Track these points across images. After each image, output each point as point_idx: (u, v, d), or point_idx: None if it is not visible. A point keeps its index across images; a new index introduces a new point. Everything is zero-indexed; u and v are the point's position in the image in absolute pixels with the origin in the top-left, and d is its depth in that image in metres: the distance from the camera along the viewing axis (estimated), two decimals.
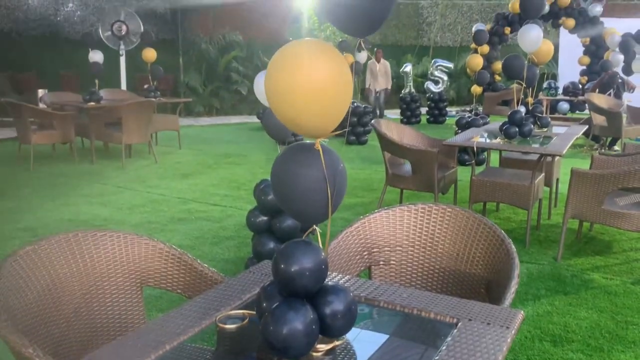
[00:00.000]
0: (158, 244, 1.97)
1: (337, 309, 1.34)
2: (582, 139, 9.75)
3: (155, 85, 8.61)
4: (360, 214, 5.20)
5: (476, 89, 12.08)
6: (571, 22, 11.03)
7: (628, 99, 8.81)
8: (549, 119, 5.18)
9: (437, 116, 11.94)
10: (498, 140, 4.46)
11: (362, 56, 9.84)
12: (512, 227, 4.80)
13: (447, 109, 12.33)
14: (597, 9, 10.89)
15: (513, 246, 1.92)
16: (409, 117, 11.80)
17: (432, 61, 12.56)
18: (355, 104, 9.31)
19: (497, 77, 12.17)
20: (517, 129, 4.41)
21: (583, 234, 4.55)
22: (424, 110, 12.47)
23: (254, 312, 1.47)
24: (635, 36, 8.50)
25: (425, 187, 4.70)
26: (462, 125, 7.43)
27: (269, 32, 14.25)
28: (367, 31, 1.31)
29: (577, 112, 11.64)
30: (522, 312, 1.52)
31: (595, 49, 11.17)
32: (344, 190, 1.41)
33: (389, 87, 11.96)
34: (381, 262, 2.17)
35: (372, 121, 5.18)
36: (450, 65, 12.32)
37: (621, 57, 8.29)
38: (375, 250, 2.17)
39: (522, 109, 4.92)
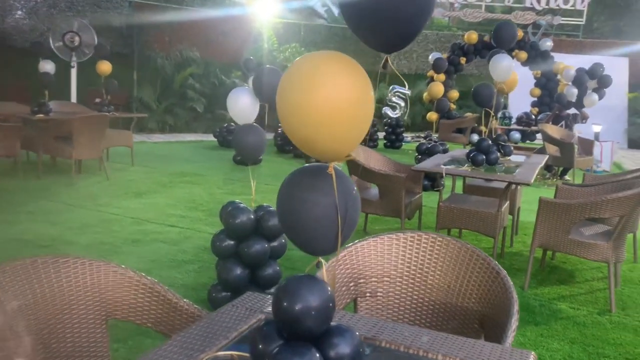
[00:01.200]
0: (127, 271, 1.77)
1: (344, 353, 1.20)
2: None
3: (109, 99, 8.27)
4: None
5: (432, 116, 12.32)
6: (524, 55, 11.43)
7: (578, 130, 9.14)
8: (512, 148, 5.24)
9: (393, 141, 12.04)
10: (466, 167, 4.45)
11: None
12: None
13: (404, 134, 12.46)
14: (548, 43, 11.35)
15: (509, 279, 1.84)
16: (366, 141, 11.81)
17: (390, 87, 12.71)
18: None
19: (452, 106, 12.42)
20: (484, 157, 4.42)
21: (546, 263, 4.58)
22: (380, 135, 12.55)
23: (246, 354, 1.31)
24: (588, 71, 8.86)
25: (392, 212, 4.63)
26: (423, 152, 7.48)
27: (227, 50, 14.10)
28: (395, 45, 1.20)
29: (528, 141, 12.00)
30: (533, 353, 1.42)
31: (545, 82, 11.60)
32: (357, 219, 1.28)
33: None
34: (368, 294, 2.04)
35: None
36: (408, 92, 12.50)
37: (575, 90, 8.61)
38: (361, 281, 2.04)
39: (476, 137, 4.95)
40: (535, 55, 11.42)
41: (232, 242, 3.32)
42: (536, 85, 11.81)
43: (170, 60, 13.30)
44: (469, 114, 12.20)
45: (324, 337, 1.21)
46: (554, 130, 8.62)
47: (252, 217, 3.27)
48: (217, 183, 7.39)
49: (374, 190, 5.01)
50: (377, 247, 2.07)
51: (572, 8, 15.93)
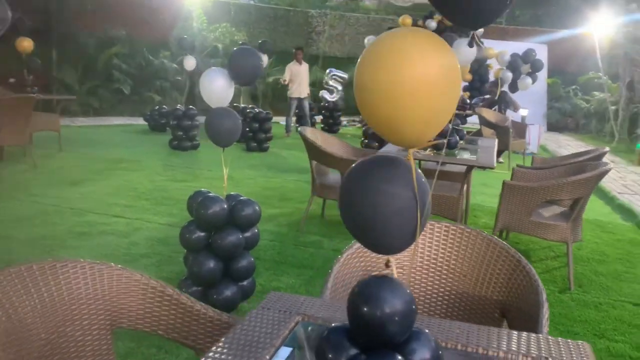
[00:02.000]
0: (133, 274, 1.58)
1: (425, 358, 1.10)
2: None
3: (32, 79, 7.61)
4: (284, 226, 4.96)
5: None
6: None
7: (510, 115, 9.52)
8: (465, 132, 5.32)
9: (331, 125, 12.00)
10: (428, 151, 4.46)
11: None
12: None
13: (341, 118, 12.46)
14: (479, 30, 11.68)
15: (532, 267, 1.81)
16: (305, 125, 11.71)
17: (327, 70, 12.64)
18: (256, 109, 9.00)
19: None
20: (445, 141, 4.44)
21: None
22: (317, 119, 12.47)
23: None
24: (522, 56, 9.20)
25: None
26: (370, 136, 7.48)
27: (155, 29, 13.41)
28: (483, 21, 1.09)
29: (461, 125, 12.34)
30: (587, 344, 1.39)
31: (477, 67, 11.94)
32: (430, 211, 1.17)
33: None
34: None
35: (299, 129, 4.95)
36: (345, 75, 12.48)
37: (510, 74, 8.94)
38: (375, 273, 1.94)
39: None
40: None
41: (203, 234, 3.12)
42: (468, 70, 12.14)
43: (93, 38, 12.47)
44: None
45: (404, 343, 1.10)
46: (490, 114, 8.92)
47: (225, 207, 3.08)
48: (156, 169, 7.02)
49: (333, 176, 4.93)
50: None
51: None
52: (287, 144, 9.79)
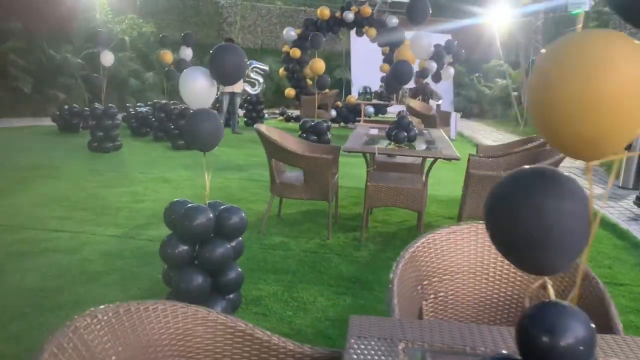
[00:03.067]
0: (198, 310, 1.38)
1: None
2: None
3: None
4: (248, 229, 4.70)
5: (290, 92, 12.27)
6: (373, 31, 11.87)
7: (432, 104, 9.83)
8: (414, 123, 5.38)
9: (255, 119, 11.74)
10: (393, 145, 4.45)
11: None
12: (394, 230, 4.86)
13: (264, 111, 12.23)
14: (394, 20, 11.92)
15: (587, 267, 1.81)
16: (227, 120, 11.35)
17: (248, 62, 12.32)
18: (182, 106, 8.57)
19: (309, 82, 12.48)
20: (405, 134, 4.45)
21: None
22: (240, 112, 12.14)
23: None
24: (445, 47, 9.51)
25: (318, 195, 4.46)
26: (307, 130, 7.37)
27: (55, 22, 12.35)
28: None
29: (380, 115, 12.60)
30: None
31: (393, 57, 12.21)
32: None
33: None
34: (432, 296, 1.88)
35: (255, 126, 4.73)
36: (266, 67, 12.24)
37: (434, 65, 9.20)
38: (425, 282, 1.87)
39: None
40: (383, 32, 11.93)
41: (186, 247, 2.87)
42: (385, 61, 12.36)
43: None
44: (327, 90, 12.37)
45: None
46: (416, 104, 9.15)
47: (212, 217, 2.86)
48: (81, 174, 6.46)
49: (292, 174, 4.78)
50: (435, 244, 1.91)
51: None
52: None
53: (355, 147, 4.31)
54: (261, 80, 12.05)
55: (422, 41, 4.30)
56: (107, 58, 7.84)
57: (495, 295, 1.93)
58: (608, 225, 5.23)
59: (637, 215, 5.50)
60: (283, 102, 15.08)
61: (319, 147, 4.83)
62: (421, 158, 4.92)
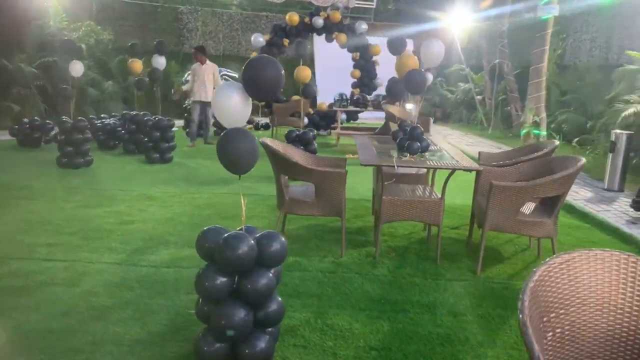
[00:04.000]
0: None
1: None
2: None
3: None
4: None
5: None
6: (343, 37, 11.76)
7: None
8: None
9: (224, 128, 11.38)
10: (409, 157, 4.29)
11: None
12: (404, 244, 4.71)
13: None
14: (363, 26, 11.85)
15: None
16: (205, 133, 10.93)
17: (218, 70, 11.94)
18: (156, 117, 8.17)
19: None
20: (419, 144, 4.31)
21: (463, 243, 4.72)
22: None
23: None
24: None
25: (330, 211, 4.26)
26: (293, 139, 7.15)
27: (5, 29, 11.61)
28: None
29: (352, 121, 12.48)
30: None
31: (364, 63, 12.14)
32: None
33: None
34: (558, 330, 1.71)
35: (261, 140, 4.48)
36: (236, 75, 11.90)
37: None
38: (552, 315, 1.70)
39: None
40: (353, 37, 11.84)
41: (225, 279, 2.61)
42: (355, 67, 12.28)
43: None
44: (295, 97, 12.16)
45: None
46: (395, 110, 9.06)
47: (254, 245, 2.61)
48: (56, 194, 6.00)
49: (297, 189, 4.56)
50: (551, 276, 1.75)
51: None
52: (188, 153, 9.06)
53: (373, 160, 4.13)
54: None
55: (433, 48, 4.17)
56: (77, 68, 7.39)
57: (632, 331, 1.77)
58: (610, 230, 5.26)
59: (635, 219, 5.57)
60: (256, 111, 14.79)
61: (326, 160, 4.63)
62: (425, 168, 4.80)
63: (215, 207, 5.68)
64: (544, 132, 9.97)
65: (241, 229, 2.80)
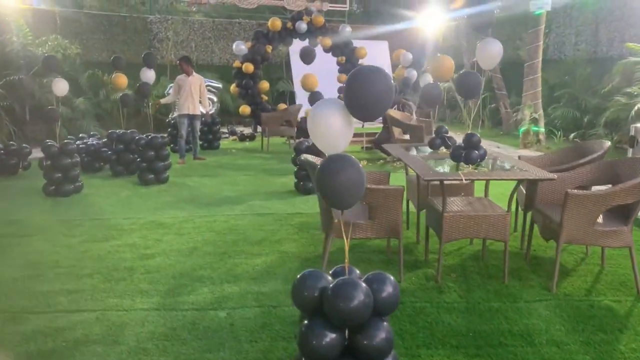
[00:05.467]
0: None
1: None
2: (367, 152, 10.12)
3: None
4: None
5: (245, 109, 11.51)
6: (328, 41, 11.39)
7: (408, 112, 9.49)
8: (456, 139, 4.92)
9: (211, 141, 10.84)
10: (471, 167, 3.93)
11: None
12: (457, 262, 4.35)
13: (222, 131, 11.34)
14: (347, 29, 11.52)
15: None
16: (194, 147, 10.33)
17: (204, 82, 11.38)
18: (149, 135, 7.59)
19: (264, 97, 11.77)
20: (477, 152, 3.96)
21: (520, 256, 4.40)
22: None
23: None
24: (424, 53, 9.19)
25: (387, 232, 3.86)
26: (304, 152, 6.71)
27: None
28: None
29: None
30: None
31: (351, 67, 11.79)
32: None
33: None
34: None
35: (302, 157, 4.05)
36: (219, 85, 11.37)
37: (415, 73, 8.85)
38: None
39: None
40: (338, 42, 11.49)
41: (335, 335, 2.18)
42: (341, 71, 11.93)
43: None
44: (281, 105, 11.73)
45: None
46: (397, 114, 8.75)
47: (370, 292, 2.18)
48: (56, 229, 5.37)
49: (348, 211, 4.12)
50: None
51: None
52: (181, 171, 8.48)
53: (436, 174, 3.74)
54: (215, 99, 11.17)
55: (491, 48, 3.82)
56: (61, 86, 6.77)
57: None
58: None
59: None
60: (226, 121, 14.20)
61: (377, 175, 4.23)
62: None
63: (236, 231, 5.19)
64: (542, 129, 9.84)
65: (342, 268, 2.37)
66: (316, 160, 3.91)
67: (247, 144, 11.99)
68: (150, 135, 7.56)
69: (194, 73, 9.26)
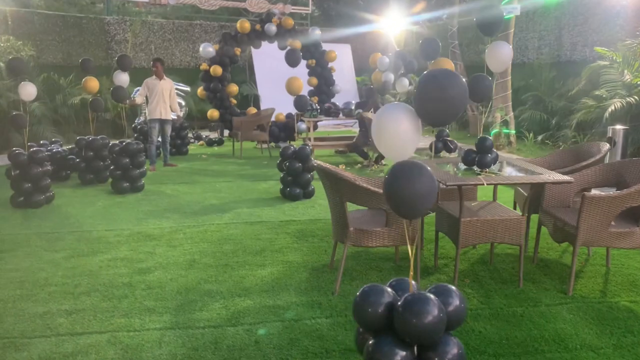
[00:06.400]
0: None
1: None
2: (343, 156, 10.05)
3: None
4: (320, 292, 3.74)
5: (213, 114, 11.21)
6: (298, 43, 11.26)
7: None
8: (457, 143, 4.89)
9: (180, 146, 10.49)
10: (487, 172, 3.88)
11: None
12: (466, 267, 4.32)
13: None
14: (317, 32, 11.43)
15: None
16: (165, 154, 9.95)
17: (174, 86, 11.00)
18: (123, 141, 7.23)
19: (233, 101, 11.50)
20: (490, 156, 3.93)
21: (526, 259, 4.42)
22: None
23: None
24: (401, 57, 9.17)
25: (404, 239, 3.76)
26: (289, 157, 6.56)
27: None
28: None
29: (315, 131, 11.98)
30: None
31: (320, 70, 11.70)
32: None
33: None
34: None
35: (316, 163, 3.89)
36: (188, 88, 11.02)
37: (392, 77, 8.82)
38: None
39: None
40: (308, 45, 11.38)
41: (405, 353, 2.06)
42: (311, 74, 11.82)
43: None
44: (251, 109, 11.50)
45: None
46: (373, 117, 8.69)
47: (443, 307, 2.07)
48: (34, 242, 5.01)
49: (356, 216, 4.01)
50: None
51: None
52: (153, 178, 8.14)
53: (457, 180, 3.68)
54: (183, 103, 10.82)
55: (501, 52, 3.80)
56: (28, 90, 6.37)
57: None
58: None
59: None
60: (189, 125, 13.82)
61: (374, 181, 4.12)
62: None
63: (231, 241, 4.99)
64: (513, 131, 10.04)
65: (399, 281, 2.25)
66: (332, 167, 3.78)
67: (215, 149, 11.69)
68: (124, 141, 7.21)
69: (165, 77, 8.95)
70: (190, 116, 13.98)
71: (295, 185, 6.56)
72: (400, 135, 2.06)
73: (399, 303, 2.06)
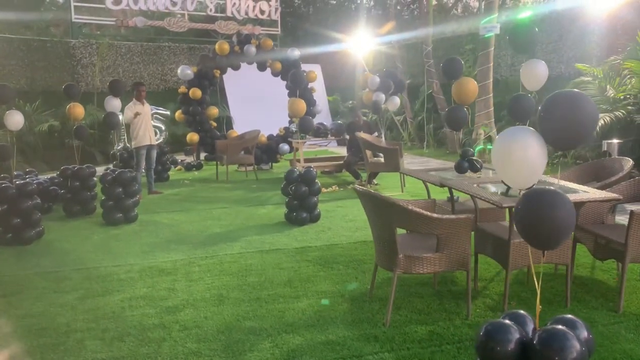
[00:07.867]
0: None
1: None
2: (331, 177, 9.92)
3: None
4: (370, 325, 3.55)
5: (193, 137, 10.92)
6: (278, 65, 11.15)
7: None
8: (483, 163, 4.84)
9: (160, 173, 10.11)
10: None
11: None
12: (515, 291, 4.24)
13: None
14: (296, 52, 11.35)
15: None
16: (149, 180, 9.53)
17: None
18: (115, 170, 6.88)
19: (214, 124, 11.23)
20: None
21: (560, 277, 4.38)
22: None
23: None
24: (392, 78, 9.14)
25: (456, 264, 3.65)
26: (294, 180, 6.39)
27: None
28: None
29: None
30: None
31: (302, 91, 11.58)
32: None
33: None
34: None
35: (357, 188, 3.73)
36: (167, 112, 10.68)
37: (383, 96, 8.78)
38: None
39: None
40: (287, 65, 11.27)
41: None
42: (291, 95, 11.68)
43: None
44: (232, 132, 11.26)
45: None
46: (367, 137, 8.64)
47: (581, 340, 1.95)
48: (38, 284, 4.65)
49: (404, 241, 3.87)
50: None
51: (268, 18, 16.55)
52: (146, 207, 7.76)
53: (490, 196, 3.59)
54: (163, 127, 10.48)
55: (536, 70, 3.79)
56: (16, 119, 5.99)
57: None
58: None
59: None
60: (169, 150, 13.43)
61: (418, 203, 4.02)
62: None
63: (253, 272, 4.76)
64: None
65: (516, 314, 2.13)
66: (379, 194, 3.63)
67: (196, 173, 11.36)
68: (116, 170, 6.85)
69: (145, 101, 8.61)
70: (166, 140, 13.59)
71: (301, 209, 6.38)
72: (528, 161, 1.96)
73: (535, 341, 1.93)
